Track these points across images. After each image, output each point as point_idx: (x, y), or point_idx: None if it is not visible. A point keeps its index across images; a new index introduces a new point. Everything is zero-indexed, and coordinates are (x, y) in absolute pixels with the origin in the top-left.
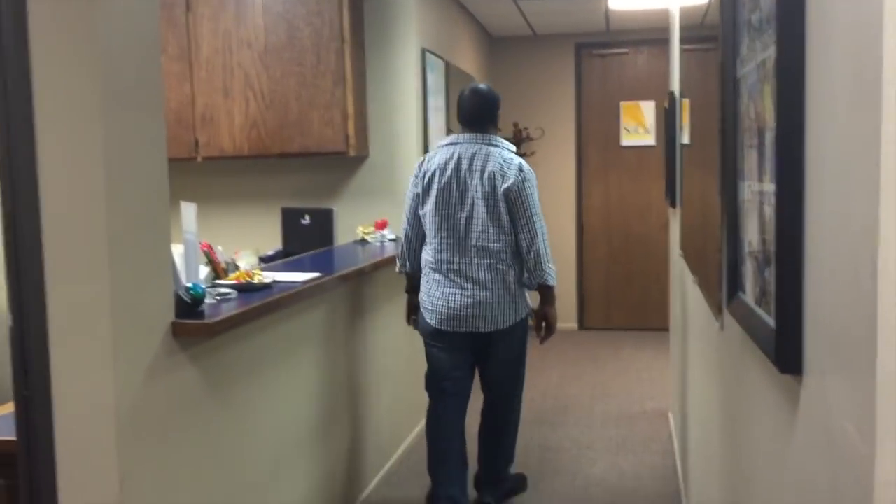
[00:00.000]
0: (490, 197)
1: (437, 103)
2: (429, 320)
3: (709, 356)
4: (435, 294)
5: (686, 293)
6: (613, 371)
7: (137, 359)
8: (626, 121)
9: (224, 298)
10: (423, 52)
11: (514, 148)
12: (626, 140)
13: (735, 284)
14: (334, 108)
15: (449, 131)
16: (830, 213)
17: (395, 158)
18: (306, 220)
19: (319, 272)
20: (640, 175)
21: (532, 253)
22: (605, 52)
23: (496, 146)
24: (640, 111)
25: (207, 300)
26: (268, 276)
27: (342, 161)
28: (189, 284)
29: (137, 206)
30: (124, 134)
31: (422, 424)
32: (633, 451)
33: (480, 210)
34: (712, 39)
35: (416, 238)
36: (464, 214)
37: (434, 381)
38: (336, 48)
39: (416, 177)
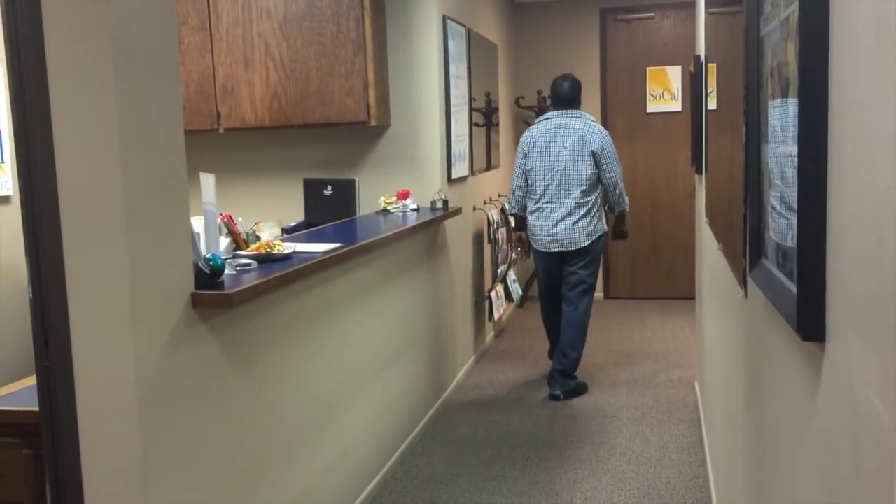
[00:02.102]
0: (580, 154)
1: (458, 71)
2: (534, 245)
3: (733, 324)
4: (538, 225)
5: (712, 261)
6: (639, 340)
7: (157, 329)
8: (651, 87)
9: (244, 269)
10: (445, 18)
11: (594, 118)
12: (652, 106)
13: (758, 250)
14: (355, 77)
15: (472, 99)
16: (854, 174)
17: (416, 128)
18: (328, 190)
19: (341, 243)
20: (666, 142)
21: (615, 189)
22: (630, 17)
23: (581, 118)
24: (666, 77)
25: (227, 271)
26: (288, 247)
27: (364, 131)
28: (208, 255)
29: (154, 176)
30: (138, 103)
31: (446, 389)
32: (658, 420)
33: (572, 164)
34: (738, 2)
35: (523, 188)
36: (559, 168)
37: (542, 289)
38: (356, 16)
39: (522, 143)
